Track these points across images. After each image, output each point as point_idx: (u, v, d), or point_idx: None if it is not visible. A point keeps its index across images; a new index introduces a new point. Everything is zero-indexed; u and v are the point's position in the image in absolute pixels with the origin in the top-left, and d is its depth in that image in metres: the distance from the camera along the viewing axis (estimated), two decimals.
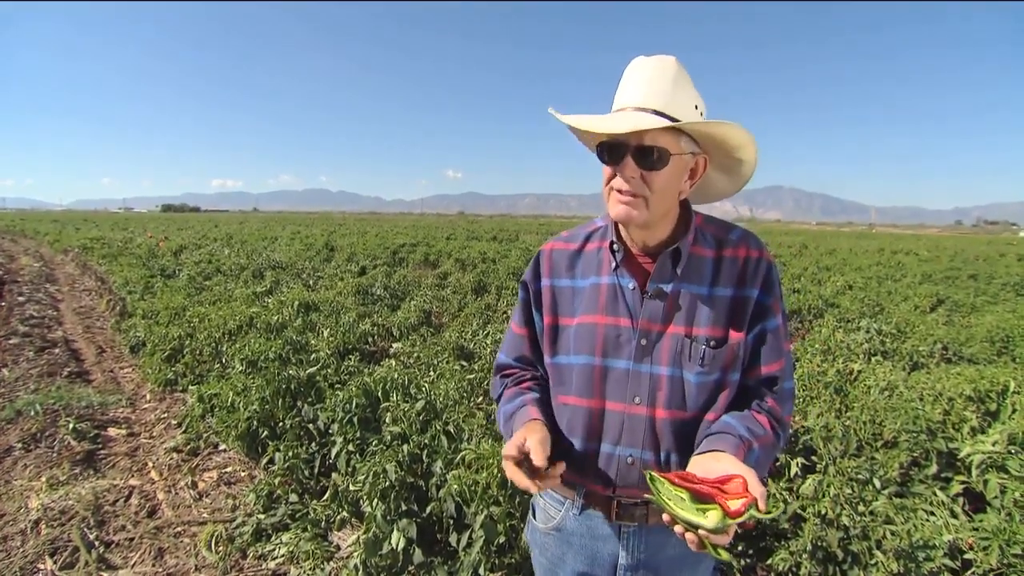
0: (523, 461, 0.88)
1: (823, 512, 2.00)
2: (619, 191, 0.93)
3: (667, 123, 0.87)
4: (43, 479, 3.13)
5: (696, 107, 0.93)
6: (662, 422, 0.96)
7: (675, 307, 0.97)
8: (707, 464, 0.85)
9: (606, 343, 0.99)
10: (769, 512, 0.75)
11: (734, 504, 0.75)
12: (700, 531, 0.75)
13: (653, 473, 0.83)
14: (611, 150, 0.92)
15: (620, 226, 1.02)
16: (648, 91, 0.91)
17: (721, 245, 1.01)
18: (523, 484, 0.88)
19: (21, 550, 2.51)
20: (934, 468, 2.54)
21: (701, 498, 0.77)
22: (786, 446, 1.16)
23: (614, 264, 1.02)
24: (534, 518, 1.17)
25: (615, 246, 1.02)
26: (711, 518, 0.74)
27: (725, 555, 0.76)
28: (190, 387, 4.32)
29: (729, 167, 1.03)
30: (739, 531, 2.20)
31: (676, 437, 0.96)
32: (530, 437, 0.91)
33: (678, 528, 0.78)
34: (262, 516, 2.72)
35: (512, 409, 1.06)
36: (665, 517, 0.80)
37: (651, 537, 1.02)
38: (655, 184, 0.91)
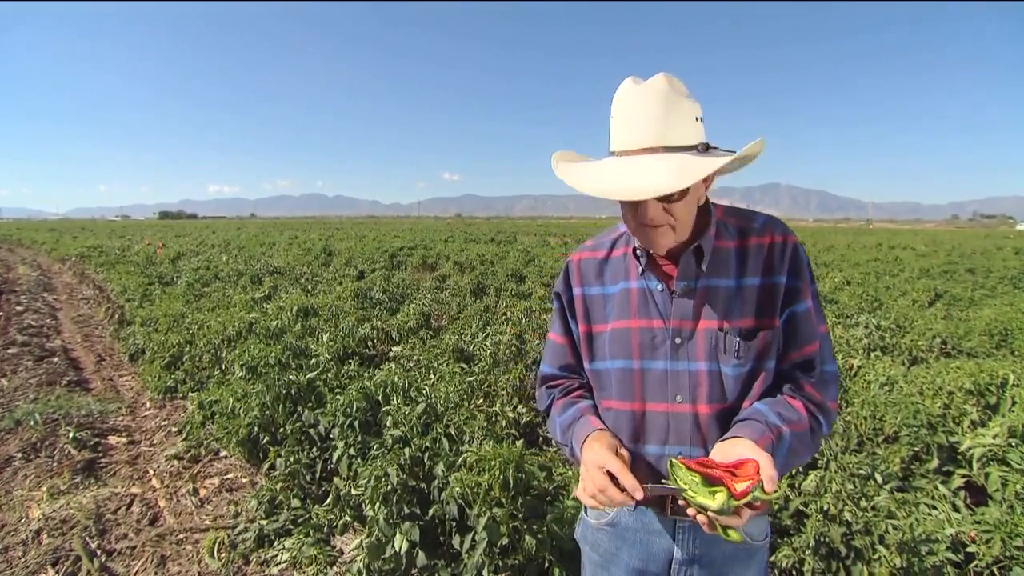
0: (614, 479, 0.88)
1: (825, 508, 2.00)
2: (644, 225, 0.93)
3: (691, 182, 0.83)
4: (44, 488, 3.12)
5: (697, 118, 0.91)
6: (706, 417, 0.97)
7: (704, 303, 0.98)
8: (726, 450, 0.88)
9: (642, 346, 1.01)
10: (774, 494, 0.78)
11: (740, 486, 0.78)
12: (709, 513, 0.79)
13: (674, 460, 0.87)
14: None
15: None
16: (650, 128, 0.87)
17: (745, 235, 1.01)
18: (619, 499, 0.87)
19: (23, 560, 2.50)
20: (935, 462, 2.54)
21: (712, 481, 0.81)
22: (830, 430, 1.17)
23: (640, 269, 1.03)
24: (586, 514, 1.17)
25: (638, 252, 1.02)
26: (717, 500, 0.78)
27: (735, 535, 0.80)
28: (190, 394, 4.31)
29: (735, 166, 1.03)
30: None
31: (721, 430, 0.97)
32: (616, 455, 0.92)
33: (691, 511, 0.82)
34: (264, 522, 2.71)
35: (569, 419, 1.07)
36: (680, 501, 0.84)
37: (706, 532, 1.03)
38: (678, 212, 0.92)
